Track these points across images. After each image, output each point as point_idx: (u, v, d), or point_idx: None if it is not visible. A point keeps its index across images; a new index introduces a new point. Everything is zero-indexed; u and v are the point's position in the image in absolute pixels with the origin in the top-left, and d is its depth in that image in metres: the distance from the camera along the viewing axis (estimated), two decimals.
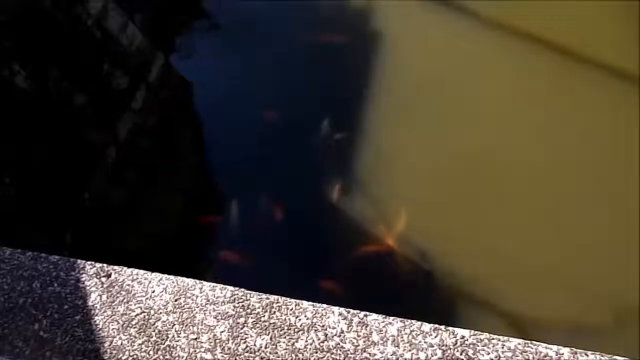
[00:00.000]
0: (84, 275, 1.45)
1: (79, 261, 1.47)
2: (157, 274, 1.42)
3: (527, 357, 1.24)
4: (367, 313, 1.31)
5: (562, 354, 1.24)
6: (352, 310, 1.32)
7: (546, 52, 4.13)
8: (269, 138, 3.83)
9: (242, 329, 1.32)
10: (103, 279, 1.43)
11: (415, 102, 3.90)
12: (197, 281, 1.40)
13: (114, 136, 3.43)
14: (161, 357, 1.29)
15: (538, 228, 3.41)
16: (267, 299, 1.36)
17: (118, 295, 1.41)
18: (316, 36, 4.24)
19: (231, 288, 1.39)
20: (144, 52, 3.60)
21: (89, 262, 1.46)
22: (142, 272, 1.43)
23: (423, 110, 3.87)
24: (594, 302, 3.13)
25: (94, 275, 1.44)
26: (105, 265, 1.45)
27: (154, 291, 1.40)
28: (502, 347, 1.26)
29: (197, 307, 1.37)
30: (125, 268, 1.45)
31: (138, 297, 1.40)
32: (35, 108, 2.93)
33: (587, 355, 1.24)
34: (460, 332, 1.28)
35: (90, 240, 3.14)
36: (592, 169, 3.60)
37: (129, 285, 1.42)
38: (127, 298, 1.40)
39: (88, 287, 1.43)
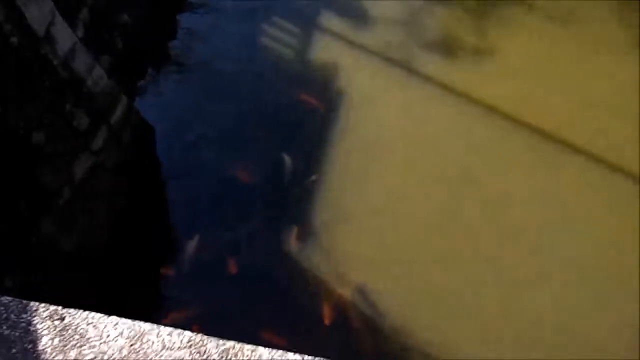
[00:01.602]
0: (36, 317, 1.46)
1: (32, 303, 1.48)
2: (114, 317, 1.46)
3: None
4: (322, 359, 1.40)
5: None
6: (306, 356, 1.40)
7: (503, 121, 4.55)
8: (229, 181, 3.93)
9: None
10: (56, 322, 1.45)
11: (376, 157, 4.17)
12: (155, 325, 1.44)
13: (70, 177, 3.42)
14: None
15: (497, 281, 3.60)
16: (224, 344, 1.42)
17: (71, 339, 1.42)
18: (286, 88, 4.50)
19: (188, 333, 1.44)
20: (108, 94, 3.68)
21: (42, 305, 1.48)
22: (98, 315, 1.46)
23: (384, 165, 4.13)
24: None
25: (47, 317, 1.46)
26: (60, 308, 1.47)
27: (108, 335, 1.43)
28: None
29: (153, 352, 1.40)
30: (80, 311, 1.47)
31: (92, 341, 1.42)
32: None
33: None
34: None
35: (37, 285, 3.04)
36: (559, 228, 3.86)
37: (83, 329, 1.44)
38: (81, 342, 1.42)
39: (39, 330, 1.44)
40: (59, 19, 3.23)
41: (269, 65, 4.78)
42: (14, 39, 2.99)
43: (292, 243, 3.61)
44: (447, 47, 5.23)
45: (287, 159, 4.01)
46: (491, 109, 4.64)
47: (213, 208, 3.80)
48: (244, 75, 4.69)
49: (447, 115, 4.57)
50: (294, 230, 3.65)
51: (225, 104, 4.48)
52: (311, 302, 3.48)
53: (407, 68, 4.83)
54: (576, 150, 4.36)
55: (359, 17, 5.26)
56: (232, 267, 3.44)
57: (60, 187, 3.40)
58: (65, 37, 3.30)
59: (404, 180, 4.06)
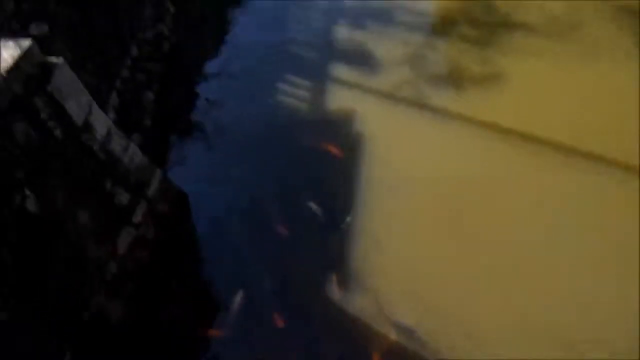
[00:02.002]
0: None
1: None
2: None
3: None
4: None
5: None
6: None
7: (524, 144, 4.69)
8: (265, 236, 4.10)
9: None
10: None
11: (400, 194, 4.30)
12: None
13: (114, 251, 3.65)
14: None
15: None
16: None
17: None
18: (306, 140, 4.74)
19: None
20: (143, 169, 3.97)
21: None
22: None
23: (409, 201, 4.26)
24: None
25: None
26: None
27: None
28: None
29: None
30: None
31: None
32: (43, 230, 3.18)
33: None
34: None
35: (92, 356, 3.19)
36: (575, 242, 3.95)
37: None
38: None
39: None
40: (95, 107, 3.57)
41: (287, 121, 5.05)
42: (57, 132, 3.32)
43: (334, 289, 3.71)
44: (454, 79, 5.46)
45: (316, 207, 4.18)
46: (503, 131, 4.79)
47: (253, 264, 3.94)
48: (265, 134, 4.96)
49: (462, 143, 4.73)
50: (334, 277, 3.76)
51: (250, 163, 4.72)
52: (360, 349, 3.53)
53: (419, 104, 5.05)
54: (586, 156, 4.49)
55: (366, 62, 5.57)
56: (279, 321, 3.54)
57: (107, 262, 3.62)
58: (101, 123, 3.62)
59: (429, 213, 4.18)
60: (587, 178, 4.34)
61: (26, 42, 3.08)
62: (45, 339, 3.07)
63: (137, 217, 3.86)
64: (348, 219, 4.10)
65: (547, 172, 4.43)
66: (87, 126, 3.50)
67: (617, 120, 4.70)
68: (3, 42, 3.03)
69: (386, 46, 5.69)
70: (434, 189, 4.32)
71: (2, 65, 2.92)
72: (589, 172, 4.38)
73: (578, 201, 4.20)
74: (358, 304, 3.70)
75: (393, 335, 3.56)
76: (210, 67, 5.82)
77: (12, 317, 2.89)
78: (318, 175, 4.51)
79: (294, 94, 5.33)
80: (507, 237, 4.01)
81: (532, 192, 4.29)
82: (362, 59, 5.59)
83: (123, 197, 3.76)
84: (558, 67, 5.36)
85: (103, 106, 4.09)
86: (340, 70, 5.47)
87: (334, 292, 3.72)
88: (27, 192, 3.13)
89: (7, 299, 2.91)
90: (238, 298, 3.68)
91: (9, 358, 2.85)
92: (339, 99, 5.14)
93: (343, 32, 5.94)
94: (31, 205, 3.13)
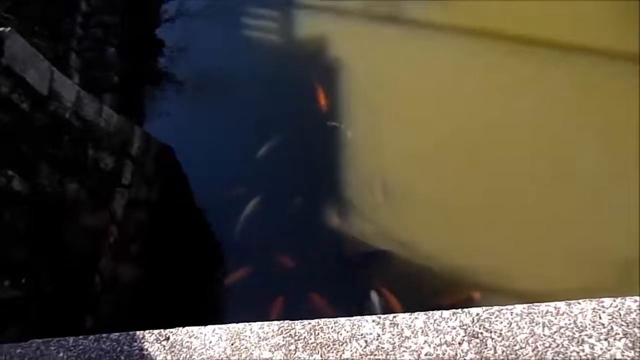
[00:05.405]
0: (145, 343, 1.71)
1: (137, 333, 1.73)
2: (210, 326, 1.69)
3: (532, 317, 1.56)
4: (395, 314, 1.61)
5: (559, 307, 1.56)
6: (382, 315, 1.62)
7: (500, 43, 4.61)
8: (255, 174, 4.16)
9: (295, 354, 1.61)
10: (164, 343, 1.70)
11: (389, 115, 4.31)
12: (246, 323, 1.68)
13: (112, 215, 3.69)
14: None
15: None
16: (309, 323, 1.65)
17: (180, 353, 1.67)
18: (282, 76, 4.63)
19: (277, 322, 1.67)
20: (122, 129, 3.90)
21: (147, 331, 1.73)
22: (196, 328, 1.70)
23: (399, 122, 4.28)
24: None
25: (155, 341, 1.71)
26: (162, 330, 1.72)
27: (210, 342, 1.68)
28: (511, 314, 1.57)
29: (252, 345, 1.64)
30: (180, 328, 1.72)
31: (198, 350, 1.67)
32: (35, 207, 3.18)
33: (580, 303, 1.57)
34: (474, 310, 1.59)
35: (110, 320, 3.35)
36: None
37: (187, 342, 1.69)
38: (189, 354, 1.67)
39: (152, 353, 1.69)
40: (57, 74, 3.42)
41: (258, 58, 4.89)
42: (24, 105, 3.21)
43: (334, 219, 3.84)
44: None
45: (304, 140, 4.18)
46: (490, 35, 4.69)
47: (248, 204, 4.02)
48: (237, 76, 4.82)
49: (443, 53, 4.65)
50: (335, 208, 3.87)
51: (226, 108, 4.65)
52: (359, 269, 3.73)
53: (394, 20, 4.88)
54: (582, 49, 4.44)
55: None
56: (287, 261, 3.69)
57: (107, 226, 3.67)
58: (68, 89, 3.49)
59: (422, 130, 4.22)
60: (585, 71, 4.32)
61: None
62: (63, 308, 3.20)
63: (127, 178, 3.86)
64: (347, 136, 4.13)
65: (543, 69, 4.39)
66: (54, 94, 3.38)
67: (611, 11, 4.58)
68: None
69: None
70: (424, 103, 4.31)
71: None
72: (586, 65, 4.35)
73: (578, 96, 4.20)
74: (359, 229, 3.85)
75: (394, 255, 3.74)
76: (169, 9, 5.52)
77: (25, 294, 2.99)
78: (302, 106, 4.47)
79: (261, 27, 5.11)
80: (503, 140, 4.07)
81: (529, 92, 4.28)
82: None
83: (108, 161, 3.73)
84: None
85: (65, 71, 3.92)
86: None
87: (335, 221, 3.85)
88: (10, 173, 3.09)
89: (16, 277, 2.99)
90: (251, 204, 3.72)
91: (31, 331, 2.99)
92: (311, 26, 4.95)
93: None
94: (17, 185, 3.11)
